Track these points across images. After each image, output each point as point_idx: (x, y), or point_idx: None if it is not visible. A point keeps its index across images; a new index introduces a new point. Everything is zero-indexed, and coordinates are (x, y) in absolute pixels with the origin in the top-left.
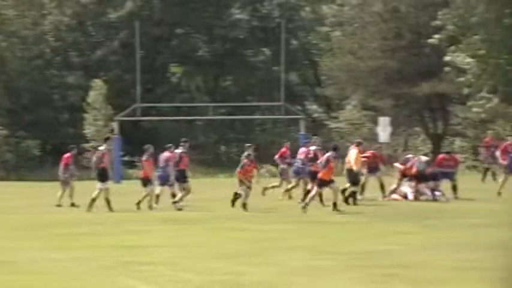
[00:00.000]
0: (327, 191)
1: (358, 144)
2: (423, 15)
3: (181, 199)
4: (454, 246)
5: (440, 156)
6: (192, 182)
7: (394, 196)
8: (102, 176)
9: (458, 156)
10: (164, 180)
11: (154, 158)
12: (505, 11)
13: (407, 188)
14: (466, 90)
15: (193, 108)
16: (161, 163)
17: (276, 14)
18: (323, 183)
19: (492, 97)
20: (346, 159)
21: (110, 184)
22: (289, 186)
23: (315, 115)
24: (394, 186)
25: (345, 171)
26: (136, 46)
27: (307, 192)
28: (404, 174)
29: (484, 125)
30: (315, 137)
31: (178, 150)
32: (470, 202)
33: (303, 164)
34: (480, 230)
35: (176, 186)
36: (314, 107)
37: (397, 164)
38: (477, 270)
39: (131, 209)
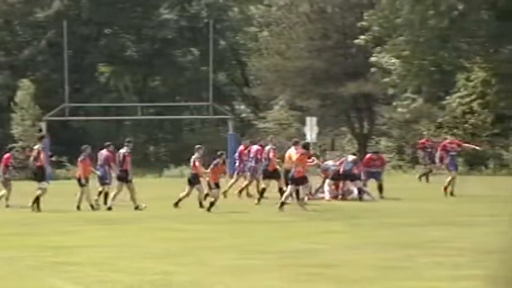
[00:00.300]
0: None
1: (296, 143)
2: (349, 16)
3: (113, 198)
4: (381, 246)
5: (368, 156)
6: None
7: (320, 195)
8: (39, 175)
9: (384, 156)
10: (103, 179)
11: (92, 158)
12: (429, 13)
13: (326, 186)
14: (391, 91)
15: (122, 108)
16: (100, 161)
17: (204, 14)
18: (299, 181)
19: (417, 97)
20: (286, 159)
21: (45, 185)
22: (245, 184)
23: (243, 115)
24: (318, 185)
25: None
26: (64, 46)
27: (280, 190)
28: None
29: (409, 125)
30: (270, 136)
31: (122, 150)
32: (396, 202)
33: (256, 163)
34: (406, 229)
35: (115, 185)
36: (242, 107)
37: (318, 170)
38: (403, 270)
39: (60, 209)
